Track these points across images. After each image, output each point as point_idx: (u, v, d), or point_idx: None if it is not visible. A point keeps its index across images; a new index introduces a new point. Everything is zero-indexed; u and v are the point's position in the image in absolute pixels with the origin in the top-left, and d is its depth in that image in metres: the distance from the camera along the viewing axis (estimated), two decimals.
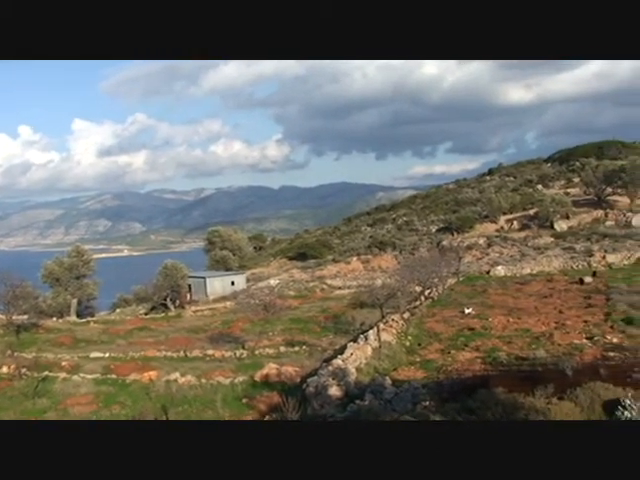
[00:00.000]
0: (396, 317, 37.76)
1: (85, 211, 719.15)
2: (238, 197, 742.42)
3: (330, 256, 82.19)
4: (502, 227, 79.78)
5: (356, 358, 29.02)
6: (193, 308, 59.09)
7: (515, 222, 79.56)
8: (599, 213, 75.84)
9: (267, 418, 24.26)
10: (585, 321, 34.47)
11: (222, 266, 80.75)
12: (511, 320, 36.69)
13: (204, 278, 67.69)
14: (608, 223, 72.40)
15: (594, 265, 55.10)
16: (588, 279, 47.18)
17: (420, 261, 49.79)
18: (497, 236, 75.43)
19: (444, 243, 74.57)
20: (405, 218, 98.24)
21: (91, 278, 67.37)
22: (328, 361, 29.49)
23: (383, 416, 18.74)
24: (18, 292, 46.67)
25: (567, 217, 75.57)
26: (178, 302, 61.91)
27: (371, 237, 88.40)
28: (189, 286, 66.40)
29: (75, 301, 63.91)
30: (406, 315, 39.08)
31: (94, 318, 60.13)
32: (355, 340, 33.06)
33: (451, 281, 52.64)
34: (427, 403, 21.16)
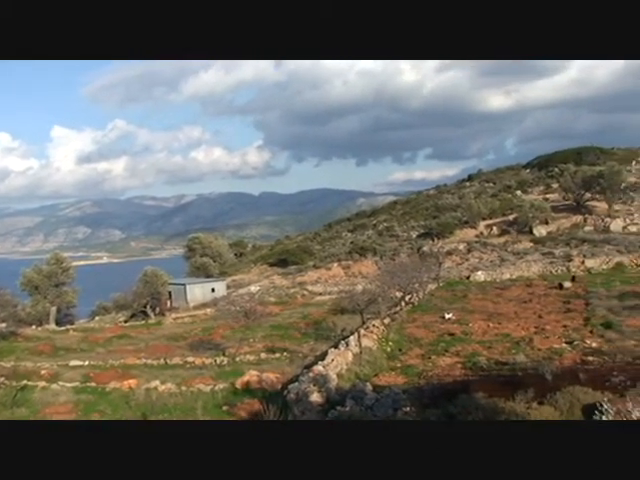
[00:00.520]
0: (377, 323, 37.77)
1: (64, 218, 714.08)
2: (219, 203, 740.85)
3: (311, 262, 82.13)
4: (482, 232, 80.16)
5: (337, 364, 28.98)
6: (173, 315, 58.75)
7: (494, 227, 79.97)
8: (578, 218, 76.41)
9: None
10: (564, 326, 34.69)
11: (202, 273, 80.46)
12: (491, 325, 36.84)
13: (184, 285, 67.37)
14: (587, 228, 72.96)
15: (573, 270, 55.48)
16: (567, 284, 47.52)
17: (401, 267, 49.84)
18: (477, 241, 75.77)
19: (424, 249, 74.76)
20: (385, 224, 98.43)
21: (70, 286, 66.73)
22: (309, 367, 29.41)
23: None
24: None
25: (546, 222, 76.09)
26: (158, 309, 61.56)
27: (352, 243, 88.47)
28: (169, 293, 66.04)
29: (54, 309, 63.30)
30: (387, 321, 39.11)
31: (73, 326, 59.53)
32: (336, 346, 33.01)
33: (431, 286, 52.78)
34: (408, 409, 21.16)
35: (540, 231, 74.07)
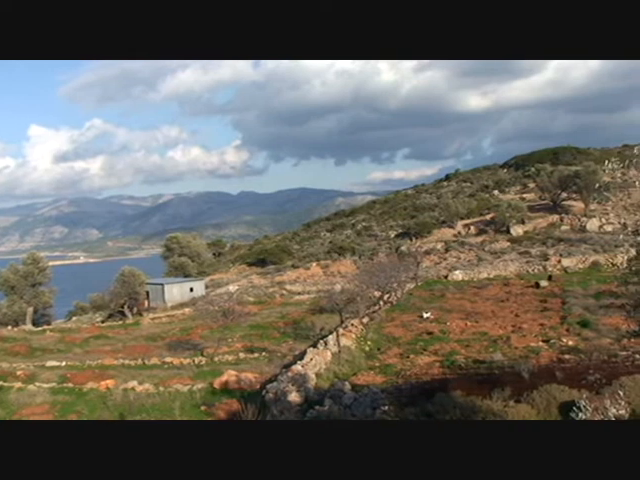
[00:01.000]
0: (355, 322, 37.84)
1: (41, 218, 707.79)
2: (197, 203, 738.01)
3: (289, 262, 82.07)
4: (459, 232, 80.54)
5: (316, 363, 29.01)
6: (151, 315, 58.40)
7: (472, 227, 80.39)
8: (554, 218, 77.05)
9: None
10: (541, 324, 34.98)
11: (181, 272, 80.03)
12: (469, 324, 37.06)
13: (162, 285, 66.95)
14: (563, 228, 73.60)
15: (550, 269, 55.91)
16: (544, 283, 47.89)
17: (379, 266, 49.94)
18: (455, 241, 76.14)
19: (403, 248, 74.97)
20: (364, 223, 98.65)
21: (47, 286, 66.19)
22: (288, 367, 29.41)
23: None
24: None
25: (523, 222, 76.63)
26: (136, 309, 61.14)
27: (330, 242, 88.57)
28: (147, 293, 65.58)
29: (31, 309, 62.72)
30: (365, 320, 39.19)
31: (50, 326, 59.00)
32: (315, 345, 33.04)
33: (410, 286, 52.92)
34: (386, 408, 21.21)
35: (517, 230, 74.58)
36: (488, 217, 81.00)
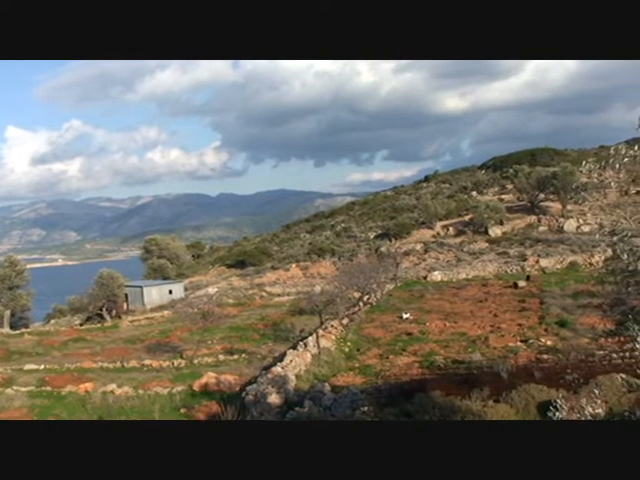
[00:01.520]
0: (335, 323, 37.88)
1: (18, 220, 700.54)
2: (176, 205, 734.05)
3: (269, 263, 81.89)
4: (438, 233, 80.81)
5: (295, 365, 29.01)
6: (130, 318, 58.09)
7: (451, 228, 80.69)
8: (532, 219, 77.55)
9: None
10: (519, 324, 35.21)
11: (160, 275, 79.71)
12: (448, 324, 37.23)
13: (141, 287, 66.61)
14: (541, 228, 74.12)
15: (528, 269, 56.30)
16: (522, 283, 48.22)
17: (358, 267, 50.02)
18: (434, 242, 76.36)
19: (382, 249, 75.09)
20: (343, 225, 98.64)
21: (25, 289, 65.58)
22: (267, 369, 29.39)
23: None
24: None
25: (501, 223, 77.05)
26: (114, 312, 60.77)
27: (310, 244, 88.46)
28: (126, 295, 65.20)
29: (8, 312, 62.06)
30: (345, 321, 39.23)
31: (28, 329, 58.51)
32: (294, 347, 33.04)
33: (389, 287, 53.06)
34: (366, 408, 21.27)
35: (495, 231, 74.98)
36: (467, 218, 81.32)
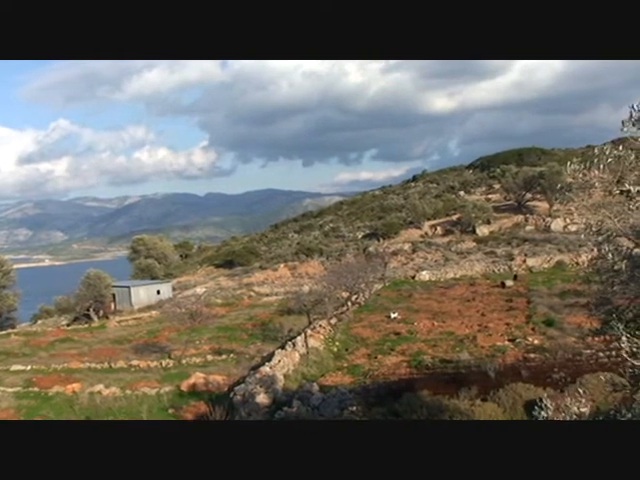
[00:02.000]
0: (323, 323, 37.91)
1: (5, 220, 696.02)
2: (163, 204, 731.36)
3: (257, 263, 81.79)
4: (426, 233, 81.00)
5: (284, 365, 29.02)
6: (117, 318, 57.88)
7: (439, 228, 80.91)
8: (519, 218, 77.89)
9: None
10: (507, 324, 35.37)
11: (147, 275, 79.42)
12: (436, 324, 37.33)
13: (129, 287, 66.38)
14: (528, 228, 74.44)
15: (515, 269, 56.56)
16: (509, 283, 48.43)
17: (347, 267, 50.07)
18: (421, 241, 76.53)
19: (370, 249, 75.17)
20: (332, 224, 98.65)
21: (11, 289, 65.22)
22: (256, 369, 29.39)
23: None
24: None
25: (488, 222, 77.34)
26: (102, 312, 60.54)
27: (298, 244, 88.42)
28: (113, 296, 64.94)
29: None
30: (333, 321, 39.27)
31: (15, 330, 58.20)
32: (283, 347, 33.03)
33: (377, 286, 53.14)
34: (354, 408, 21.31)
35: (483, 231, 75.26)
36: (454, 218, 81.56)
